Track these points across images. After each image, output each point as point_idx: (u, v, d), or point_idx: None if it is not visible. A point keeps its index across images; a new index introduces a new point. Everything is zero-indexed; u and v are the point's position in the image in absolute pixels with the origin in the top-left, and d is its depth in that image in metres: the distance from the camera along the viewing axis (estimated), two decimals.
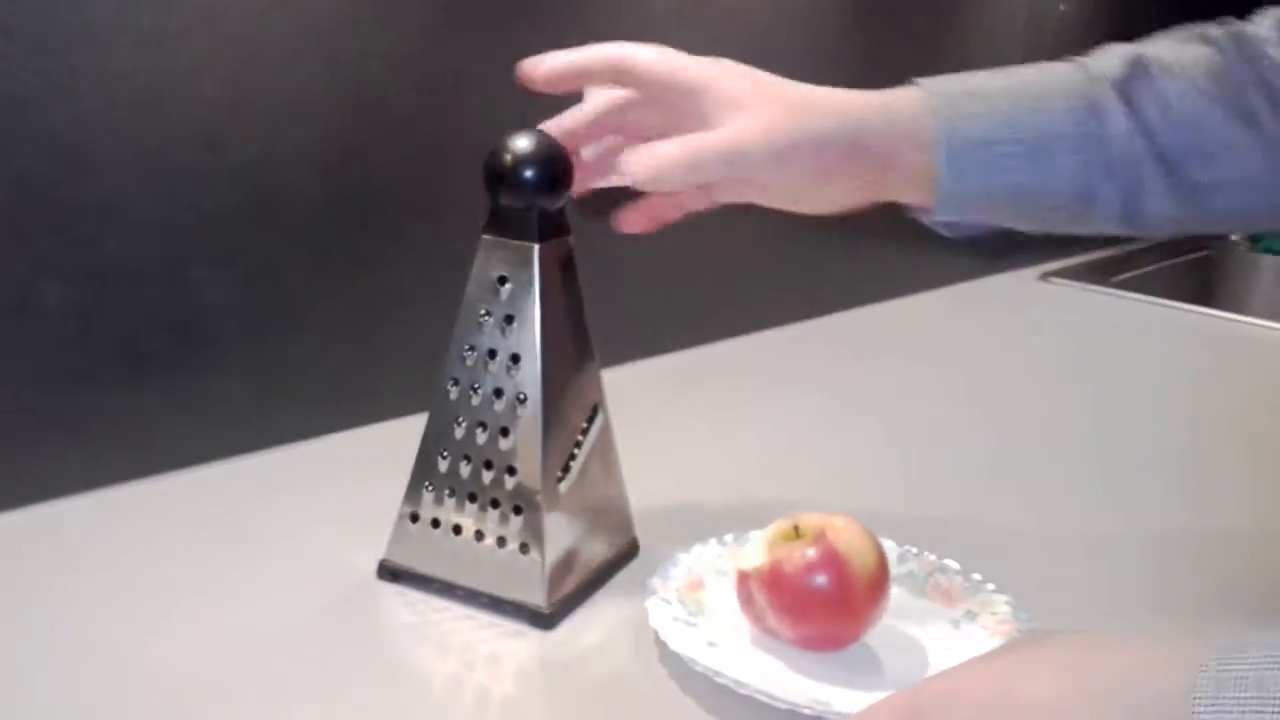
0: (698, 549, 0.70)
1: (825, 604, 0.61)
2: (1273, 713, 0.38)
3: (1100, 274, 1.57)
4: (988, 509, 0.85)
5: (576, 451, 0.68)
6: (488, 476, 0.66)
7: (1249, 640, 0.41)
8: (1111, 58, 0.67)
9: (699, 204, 0.70)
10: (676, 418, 0.98)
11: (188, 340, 0.81)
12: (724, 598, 0.66)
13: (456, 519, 0.67)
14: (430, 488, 0.68)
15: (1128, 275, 1.58)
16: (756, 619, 0.63)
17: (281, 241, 0.84)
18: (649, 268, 1.05)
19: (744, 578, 0.63)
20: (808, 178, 0.63)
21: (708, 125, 0.62)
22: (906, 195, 0.66)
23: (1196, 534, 0.83)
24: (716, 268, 1.17)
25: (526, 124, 0.96)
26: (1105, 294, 1.50)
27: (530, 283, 0.65)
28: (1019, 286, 1.53)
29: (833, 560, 0.60)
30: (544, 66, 0.66)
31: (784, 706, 0.56)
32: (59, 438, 0.76)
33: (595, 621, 0.67)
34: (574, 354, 0.68)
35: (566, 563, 0.67)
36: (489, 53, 0.91)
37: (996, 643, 0.64)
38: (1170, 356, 1.28)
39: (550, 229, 0.66)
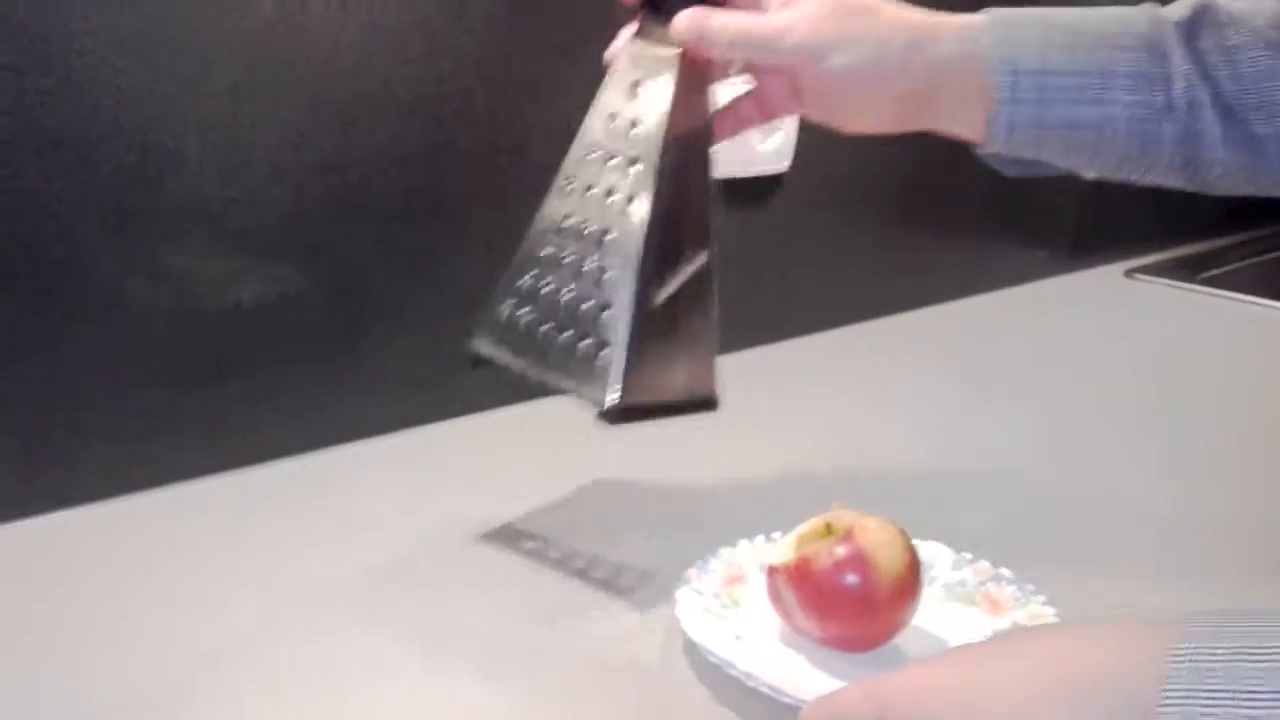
0: (743, 543, 0.70)
1: (850, 603, 0.61)
2: (1246, 706, 0.37)
3: (1187, 271, 1.53)
4: (1061, 517, 0.84)
5: (676, 273, 0.66)
6: (583, 272, 0.66)
7: (1222, 622, 0.40)
8: (1180, 3, 0.66)
9: (761, 117, 0.70)
10: (750, 411, 0.98)
11: (270, 335, 0.83)
12: (762, 594, 0.65)
13: (548, 309, 0.67)
14: (535, 274, 0.68)
15: (1215, 272, 1.54)
16: (786, 616, 0.63)
17: (357, 237, 0.85)
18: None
19: (772, 573, 0.63)
20: (853, 82, 0.63)
21: (763, 10, 0.64)
22: (957, 121, 0.65)
23: None
24: (785, 264, 1.16)
25: None
26: (1192, 291, 1.47)
27: (666, 88, 0.65)
28: (1103, 283, 1.49)
29: (858, 560, 0.60)
30: None
31: (790, 703, 0.56)
32: (147, 431, 0.79)
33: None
34: (696, 178, 0.67)
35: (647, 377, 0.65)
36: (556, 50, 0.92)
37: None
38: (1260, 356, 1.25)
39: None
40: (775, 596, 0.63)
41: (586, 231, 0.66)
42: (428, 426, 0.92)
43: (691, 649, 0.63)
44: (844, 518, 0.63)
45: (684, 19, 0.64)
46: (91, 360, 0.75)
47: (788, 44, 0.62)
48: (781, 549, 0.63)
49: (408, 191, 0.87)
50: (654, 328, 0.65)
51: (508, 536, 0.76)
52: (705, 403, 0.70)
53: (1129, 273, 1.52)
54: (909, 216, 1.25)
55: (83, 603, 0.67)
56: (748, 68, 0.69)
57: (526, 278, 0.68)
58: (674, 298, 0.66)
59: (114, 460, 0.78)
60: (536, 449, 0.89)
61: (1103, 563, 0.76)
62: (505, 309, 0.69)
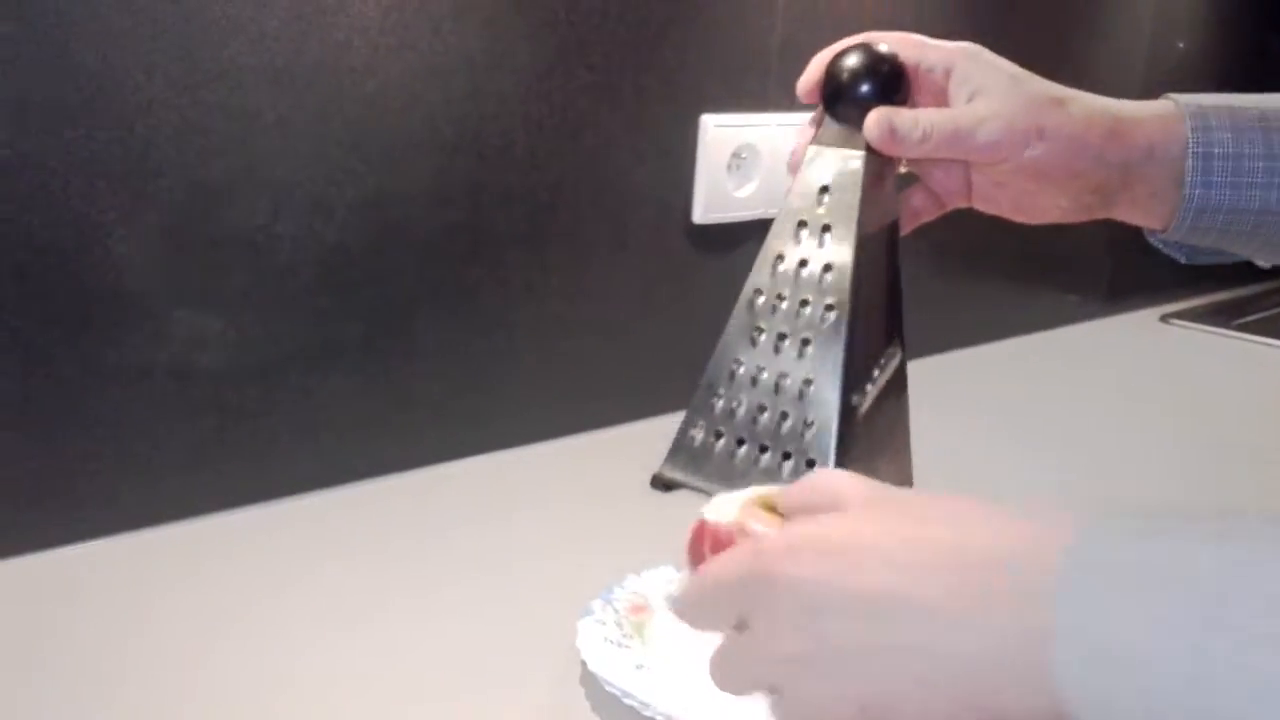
0: (648, 572, 0.69)
1: None
2: (1142, 598, 0.34)
3: (1223, 316, 1.52)
4: None
5: (873, 379, 0.65)
6: (781, 389, 0.64)
7: (1111, 519, 0.37)
8: None
9: (933, 211, 0.68)
10: None
11: (312, 368, 0.84)
12: (667, 622, 0.63)
13: (742, 433, 0.65)
14: (720, 397, 0.66)
15: (1251, 318, 1.54)
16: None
17: (398, 273, 0.87)
18: None
19: (701, 528, 0.56)
20: (1047, 175, 0.61)
21: (956, 99, 0.63)
22: (1140, 210, 0.64)
23: None
24: None
25: (638, 164, 0.99)
26: (1228, 337, 1.46)
27: (855, 192, 0.63)
28: (1139, 328, 1.49)
29: None
30: (807, 83, 0.67)
31: None
32: (191, 461, 0.80)
33: None
34: (884, 275, 0.66)
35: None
36: (596, 90, 0.94)
37: None
38: None
39: None
40: (696, 552, 0.56)
41: (784, 345, 0.64)
42: (464, 460, 0.93)
43: (589, 679, 0.63)
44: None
45: (874, 119, 0.62)
46: (136, 390, 0.76)
47: (983, 139, 0.61)
48: (720, 505, 0.57)
49: (449, 229, 0.88)
50: (858, 435, 0.64)
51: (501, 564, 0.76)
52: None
53: (1164, 318, 1.52)
54: (943, 260, 1.25)
55: (122, 631, 0.67)
56: (921, 161, 0.67)
57: (717, 399, 0.66)
58: (876, 400, 0.65)
59: (157, 490, 0.79)
60: (576, 482, 0.90)
61: None
62: (697, 434, 0.67)
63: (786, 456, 0.63)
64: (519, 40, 0.88)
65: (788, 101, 1.06)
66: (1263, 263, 0.66)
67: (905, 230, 0.67)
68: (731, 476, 0.65)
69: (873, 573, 0.40)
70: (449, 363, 0.91)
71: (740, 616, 0.45)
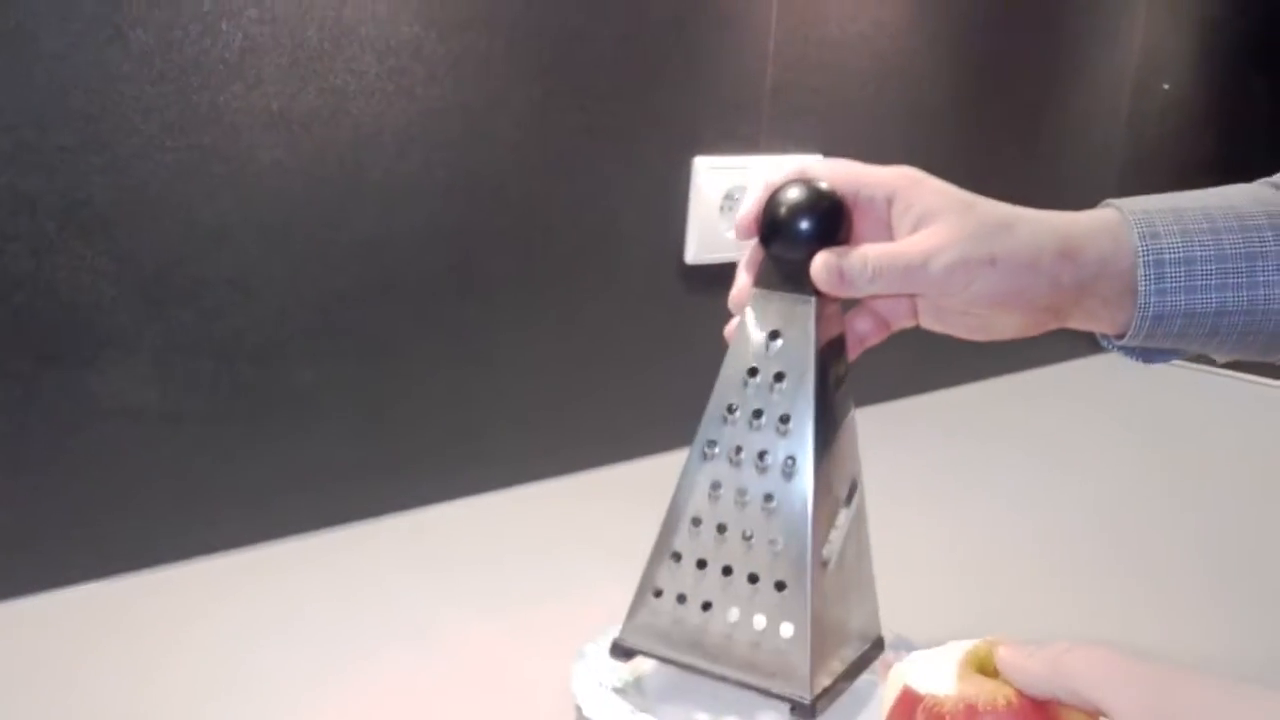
0: None
1: None
2: None
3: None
4: (1095, 615, 0.84)
5: (838, 528, 0.62)
6: (746, 549, 0.60)
7: None
8: None
9: (879, 334, 0.66)
10: None
11: (307, 409, 0.84)
12: (662, 668, 0.63)
13: (706, 596, 0.61)
14: (678, 559, 0.62)
15: None
16: None
17: (393, 314, 0.87)
18: None
19: (912, 701, 0.49)
20: (1000, 301, 0.59)
21: (894, 236, 0.60)
22: (1094, 320, 0.63)
23: None
24: None
25: (631, 206, 0.99)
26: (1219, 376, 1.47)
27: (806, 338, 0.60)
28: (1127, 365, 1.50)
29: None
30: (743, 221, 0.63)
31: None
32: (185, 503, 0.79)
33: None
34: (842, 422, 0.63)
35: (828, 648, 0.62)
36: (588, 134, 0.94)
37: None
38: None
39: None
40: None
41: (746, 500, 0.60)
42: (457, 501, 0.92)
43: None
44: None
45: (821, 264, 0.59)
46: (131, 431, 0.76)
47: (934, 272, 0.58)
48: (931, 673, 0.50)
49: (443, 270, 0.89)
50: (829, 586, 0.61)
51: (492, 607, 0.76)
52: (876, 644, 0.67)
53: None
54: None
55: (113, 675, 0.67)
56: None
57: (678, 558, 0.62)
58: (841, 551, 0.62)
59: (148, 532, 0.78)
60: (569, 520, 0.90)
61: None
62: (659, 596, 0.63)
63: (757, 623, 0.60)
64: (513, 84, 0.89)
65: (779, 143, 1.07)
66: (1220, 359, 0.64)
67: (852, 356, 0.65)
68: (701, 645, 0.61)
69: None
70: (442, 404, 0.91)
71: None
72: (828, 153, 1.10)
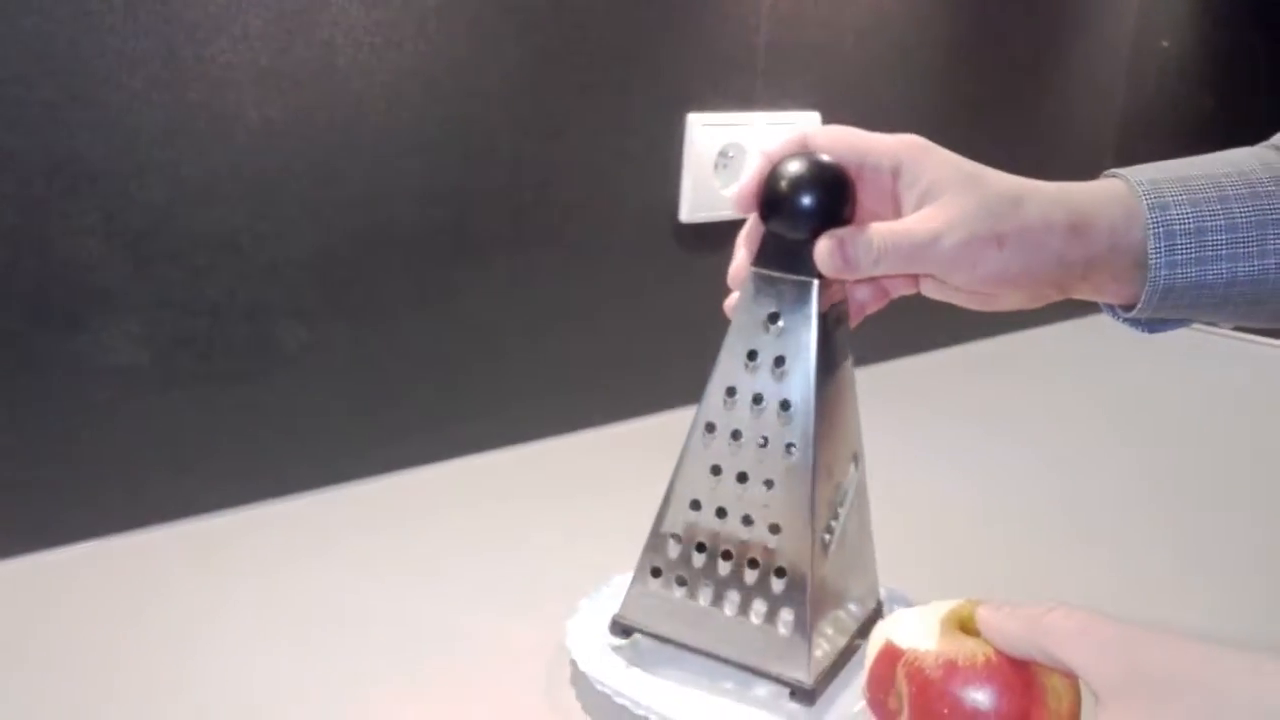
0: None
1: None
2: None
3: None
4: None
5: (840, 510, 0.62)
6: (746, 533, 0.60)
7: None
8: None
9: (879, 302, 0.65)
10: None
11: (297, 368, 0.83)
12: None
13: (706, 578, 0.61)
14: (678, 540, 0.62)
15: None
16: (882, 709, 0.50)
17: (384, 273, 0.86)
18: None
19: (893, 656, 0.49)
20: (1003, 278, 0.58)
21: (900, 208, 0.59)
22: (1101, 293, 0.61)
23: None
24: None
25: (624, 163, 0.99)
26: (1220, 335, 1.47)
27: (807, 322, 0.58)
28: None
29: (1025, 685, 0.46)
30: (742, 195, 0.60)
31: None
32: (176, 464, 0.79)
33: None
34: (843, 399, 0.62)
35: (828, 630, 0.61)
36: (580, 90, 0.94)
37: None
38: None
39: None
40: (880, 682, 0.50)
41: (746, 485, 0.60)
42: (451, 460, 0.92)
43: (580, 678, 0.62)
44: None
45: (825, 248, 0.57)
46: (121, 392, 0.76)
47: (941, 252, 0.57)
48: (913, 629, 0.50)
49: (434, 229, 0.88)
50: (828, 576, 0.61)
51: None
52: (875, 613, 0.67)
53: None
54: None
55: (109, 634, 0.67)
56: None
57: (677, 540, 0.62)
58: (842, 527, 0.61)
59: (142, 492, 0.78)
60: (564, 479, 0.90)
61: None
62: (657, 577, 0.62)
63: (757, 608, 0.60)
64: (505, 40, 0.88)
65: (774, 100, 1.06)
66: (1227, 326, 0.64)
67: (852, 325, 0.64)
68: (701, 625, 0.61)
69: None
70: (435, 363, 0.91)
71: None
72: (824, 109, 1.09)
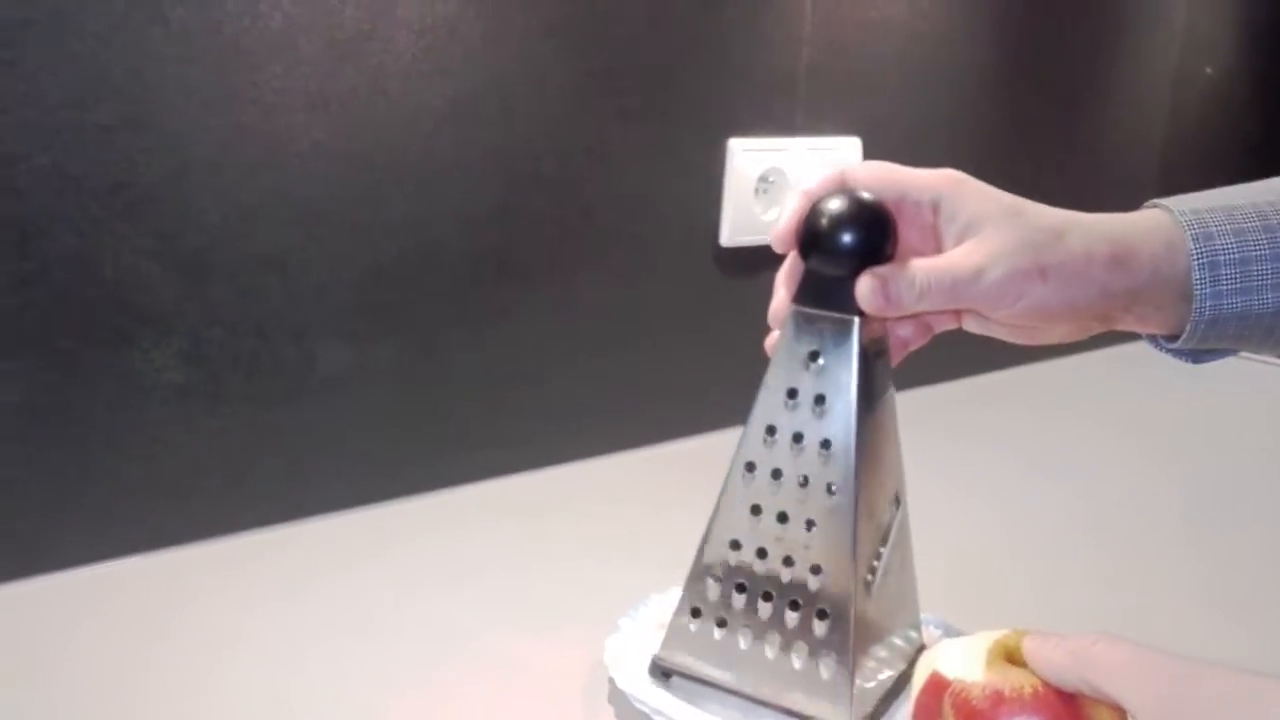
0: (673, 590, 0.66)
1: None
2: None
3: None
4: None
5: (882, 549, 0.61)
6: (787, 574, 0.59)
7: None
8: None
9: (921, 338, 0.65)
10: None
11: (342, 389, 0.84)
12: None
13: (746, 620, 0.61)
14: (718, 581, 0.61)
15: None
16: None
17: (428, 295, 0.87)
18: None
19: (940, 686, 0.49)
20: (1046, 312, 0.57)
21: (940, 243, 0.59)
22: (1145, 324, 0.61)
23: None
24: None
25: (666, 188, 0.99)
26: (1243, 359, 1.45)
27: (848, 360, 0.58)
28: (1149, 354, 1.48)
29: (1072, 717, 0.46)
30: (782, 233, 0.60)
31: None
32: (222, 481, 0.80)
33: None
34: (885, 437, 0.61)
35: (871, 673, 0.61)
36: (623, 116, 0.94)
37: None
38: None
39: None
40: (927, 713, 0.50)
41: (787, 526, 0.59)
42: (493, 480, 0.93)
43: (618, 696, 0.63)
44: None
45: (867, 286, 0.57)
46: (170, 409, 0.77)
47: (984, 287, 0.56)
48: (960, 659, 0.50)
49: (478, 252, 0.89)
50: (871, 617, 0.60)
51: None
52: (918, 649, 0.66)
53: None
54: None
55: (152, 648, 0.68)
56: None
57: (717, 580, 0.61)
58: (885, 571, 0.61)
59: (190, 508, 0.79)
60: (604, 501, 0.90)
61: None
62: (697, 619, 0.62)
63: (799, 650, 0.60)
64: (549, 65, 0.89)
65: (815, 125, 1.07)
66: (1276, 357, 0.63)
67: (895, 362, 0.63)
68: (741, 667, 0.61)
69: None
70: (479, 384, 0.92)
71: None
72: (865, 135, 1.10)
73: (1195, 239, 0.58)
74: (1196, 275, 0.57)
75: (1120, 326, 0.61)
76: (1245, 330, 0.59)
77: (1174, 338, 0.60)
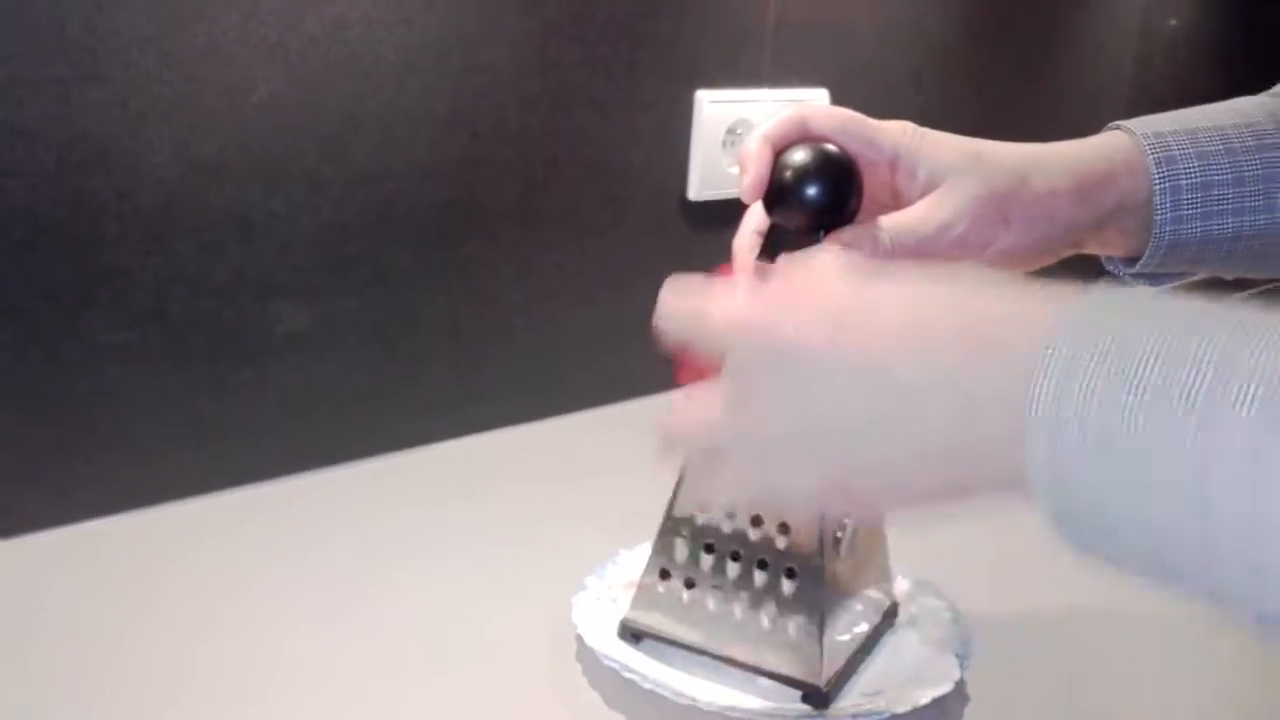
0: (640, 547, 0.67)
1: None
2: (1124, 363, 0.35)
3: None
4: None
5: None
6: (755, 534, 0.59)
7: (1097, 304, 0.37)
8: None
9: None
10: None
11: (308, 345, 0.83)
12: None
13: (715, 580, 0.61)
14: (686, 541, 0.61)
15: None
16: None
17: (393, 248, 0.86)
18: None
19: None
20: (1015, 254, 0.58)
21: (900, 196, 0.59)
22: (1109, 246, 0.62)
23: None
24: None
25: (633, 140, 0.98)
26: None
27: None
28: None
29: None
30: (748, 184, 0.58)
31: (686, 703, 0.57)
32: (187, 440, 0.79)
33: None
34: None
35: (841, 630, 0.61)
36: (588, 65, 0.93)
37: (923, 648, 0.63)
38: None
39: None
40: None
41: None
42: (459, 439, 0.93)
43: (586, 653, 0.63)
44: None
45: (835, 247, 0.56)
46: (132, 369, 0.76)
47: (950, 242, 0.57)
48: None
49: (443, 205, 0.88)
50: (841, 575, 0.60)
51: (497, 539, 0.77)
52: (892, 609, 0.66)
53: None
54: None
55: (120, 610, 0.67)
56: None
57: (684, 540, 0.61)
58: (854, 530, 0.60)
59: (154, 469, 0.78)
60: (572, 457, 0.90)
61: None
62: (664, 580, 0.62)
63: (768, 609, 0.59)
64: (513, 15, 0.88)
65: (783, 77, 1.06)
66: (1229, 277, 0.63)
67: None
68: (710, 628, 0.61)
69: (874, 333, 0.42)
70: (444, 340, 0.91)
71: (728, 361, 0.47)
72: (832, 86, 1.09)
73: (1157, 162, 0.58)
74: (1158, 200, 0.58)
75: (1086, 250, 0.62)
76: (1204, 254, 0.60)
77: (1133, 260, 0.61)
